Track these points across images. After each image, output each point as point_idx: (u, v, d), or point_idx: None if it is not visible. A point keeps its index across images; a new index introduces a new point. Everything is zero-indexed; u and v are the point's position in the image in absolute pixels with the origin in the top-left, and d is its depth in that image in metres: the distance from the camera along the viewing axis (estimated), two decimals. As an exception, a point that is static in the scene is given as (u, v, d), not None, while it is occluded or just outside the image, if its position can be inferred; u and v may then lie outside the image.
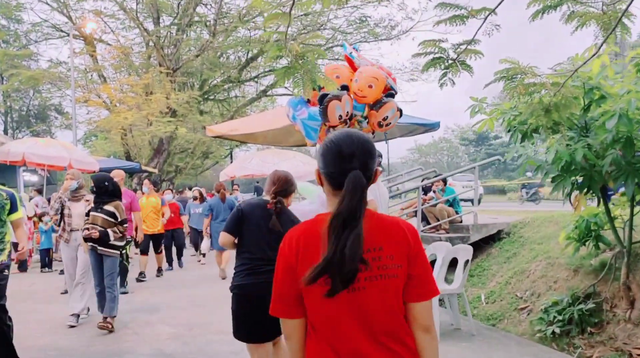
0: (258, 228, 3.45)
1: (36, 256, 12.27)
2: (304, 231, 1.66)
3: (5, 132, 39.61)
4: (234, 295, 3.44)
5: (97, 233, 5.82)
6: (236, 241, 3.58)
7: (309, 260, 1.57)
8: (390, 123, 5.75)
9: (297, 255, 1.62)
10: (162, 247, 10.30)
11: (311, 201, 5.68)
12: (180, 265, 11.32)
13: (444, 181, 9.90)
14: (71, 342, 5.59)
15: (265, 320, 2.92)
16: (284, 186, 3.71)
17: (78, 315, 6.29)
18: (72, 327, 6.14)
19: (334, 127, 5.85)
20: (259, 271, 3.33)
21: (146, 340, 5.66)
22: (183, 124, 19.91)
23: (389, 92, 5.67)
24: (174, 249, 11.17)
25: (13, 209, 4.48)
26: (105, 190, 5.99)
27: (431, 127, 8.61)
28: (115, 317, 6.05)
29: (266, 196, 3.70)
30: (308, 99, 5.62)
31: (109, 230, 5.91)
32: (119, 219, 6.02)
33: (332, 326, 1.58)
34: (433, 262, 6.36)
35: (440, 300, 5.59)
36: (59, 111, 40.69)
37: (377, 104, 5.61)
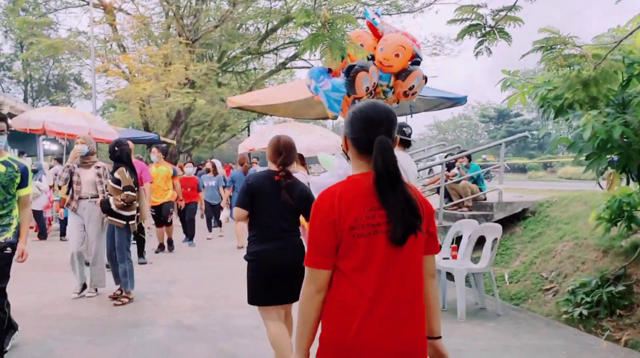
0: (268, 199, 3.46)
1: (56, 225, 12.35)
2: (343, 189, 1.82)
3: (25, 101, 39.86)
4: (248, 262, 3.50)
5: (99, 201, 5.92)
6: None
7: (351, 208, 1.75)
8: (415, 92, 5.55)
9: (339, 210, 1.75)
10: (172, 218, 9.71)
11: (330, 174, 5.54)
12: (190, 243, 10.53)
13: (468, 157, 9.69)
14: (91, 312, 5.57)
15: (277, 285, 3.22)
16: (290, 154, 3.67)
17: (82, 288, 6.20)
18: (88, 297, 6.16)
19: (359, 99, 5.67)
20: (272, 239, 3.41)
21: (166, 311, 5.62)
22: (201, 96, 19.76)
23: (415, 59, 5.45)
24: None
25: (23, 183, 4.03)
26: (113, 156, 5.89)
27: (458, 101, 8.36)
28: (130, 291, 6.00)
29: (272, 166, 3.67)
30: (329, 69, 5.41)
31: (110, 198, 5.80)
32: (122, 186, 5.78)
33: (370, 265, 1.74)
34: (458, 239, 6.21)
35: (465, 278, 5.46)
36: (78, 81, 40.79)
37: (403, 73, 5.41)
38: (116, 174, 5.81)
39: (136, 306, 5.82)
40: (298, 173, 8.49)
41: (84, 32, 22.38)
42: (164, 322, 5.22)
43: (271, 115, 25.87)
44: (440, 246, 6.65)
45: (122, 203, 5.77)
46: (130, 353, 4.37)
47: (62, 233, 11.18)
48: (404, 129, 5.08)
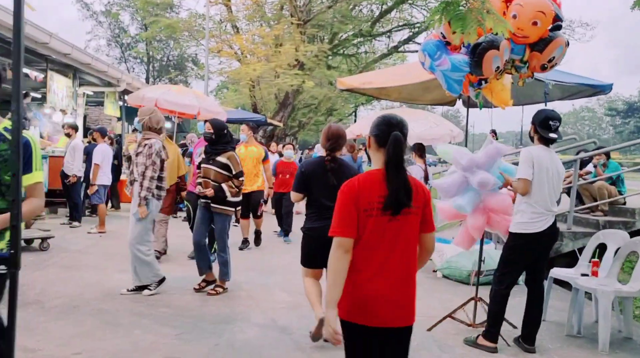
0: (319, 182, 4.14)
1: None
2: (361, 178, 2.37)
3: (147, 80, 42.15)
4: (304, 235, 4.30)
5: (212, 191, 5.34)
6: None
7: (366, 195, 2.30)
8: (556, 64, 4.62)
9: (358, 192, 2.31)
10: (262, 210, 8.53)
11: (451, 171, 4.78)
12: (286, 238, 9.19)
13: (607, 154, 8.43)
14: (184, 301, 5.27)
15: (321, 254, 3.36)
16: (337, 141, 4.20)
17: (133, 289, 5.41)
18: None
19: (485, 80, 4.84)
20: (323, 217, 3.99)
21: (261, 306, 5.21)
22: (310, 78, 19.43)
23: (556, 24, 4.50)
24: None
25: (26, 168, 2.47)
26: (222, 138, 5.44)
27: (601, 89, 7.20)
28: (225, 280, 5.64)
29: (322, 151, 4.30)
30: (447, 42, 4.60)
31: (223, 185, 5.36)
32: (234, 172, 5.43)
33: (384, 240, 2.31)
34: (602, 251, 5.21)
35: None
36: (195, 62, 42.44)
37: (541, 43, 4.48)
38: (224, 160, 5.38)
39: (230, 297, 5.46)
40: (415, 165, 7.83)
41: (202, 14, 22.90)
42: (258, 319, 4.80)
43: (382, 99, 25.16)
44: (571, 255, 5.78)
45: (237, 189, 5.44)
46: (219, 354, 3.96)
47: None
48: (550, 122, 4.18)
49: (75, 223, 9.72)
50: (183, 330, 4.40)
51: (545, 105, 6.83)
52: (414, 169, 7.50)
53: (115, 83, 13.04)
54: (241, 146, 7.96)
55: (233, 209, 5.55)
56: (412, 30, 22.53)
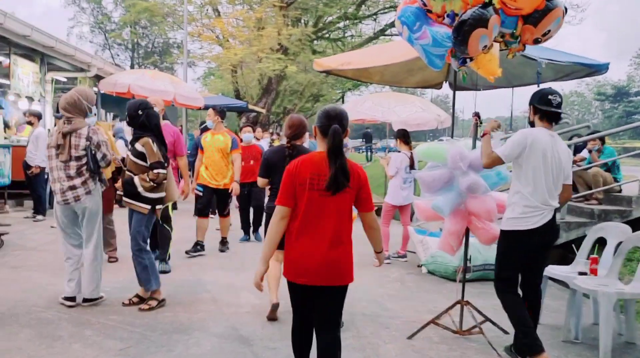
0: (278, 168, 4.17)
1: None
2: (302, 159, 2.83)
3: (132, 67, 41.24)
4: (267, 212, 4.61)
5: (119, 183, 4.71)
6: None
7: (303, 173, 2.76)
8: (551, 36, 4.08)
9: (295, 170, 2.78)
10: (228, 209, 7.34)
11: (436, 165, 4.27)
12: (257, 236, 8.09)
13: (602, 139, 7.95)
14: (135, 308, 4.71)
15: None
16: (297, 130, 4.51)
17: (69, 298, 4.65)
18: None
19: (470, 58, 4.30)
20: None
21: (223, 312, 4.67)
22: (294, 63, 18.78)
23: None
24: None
25: None
26: (136, 122, 4.58)
27: (597, 69, 6.66)
28: (156, 290, 4.70)
29: (284, 140, 4.64)
30: (428, 10, 4.00)
31: (135, 177, 4.54)
32: (149, 162, 4.52)
33: (316, 212, 2.75)
34: (602, 244, 4.72)
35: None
36: (180, 48, 41.57)
37: (535, 15, 3.94)
38: (139, 146, 4.51)
39: (191, 302, 4.90)
40: (400, 152, 7.29)
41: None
42: (218, 328, 4.26)
43: (365, 83, 24.48)
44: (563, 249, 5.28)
45: (151, 183, 4.51)
46: (166, 373, 3.43)
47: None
48: (549, 97, 3.68)
49: (39, 217, 9.14)
50: (129, 343, 3.86)
51: (538, 86, 6.28)
52: (399, 157, 6.97)
53: (86, 68, 12.34)
54: (207, 134, 7.02)
55: (148, 206, 4.56)
56: (399, 12, 21.84)
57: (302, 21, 22.26)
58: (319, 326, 2.85)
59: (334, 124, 2.76)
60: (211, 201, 7.12)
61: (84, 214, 4.59)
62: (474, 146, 4.25)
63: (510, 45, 4.12)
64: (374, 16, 22.77)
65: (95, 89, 14.11)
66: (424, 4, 3.81)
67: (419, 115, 10.63)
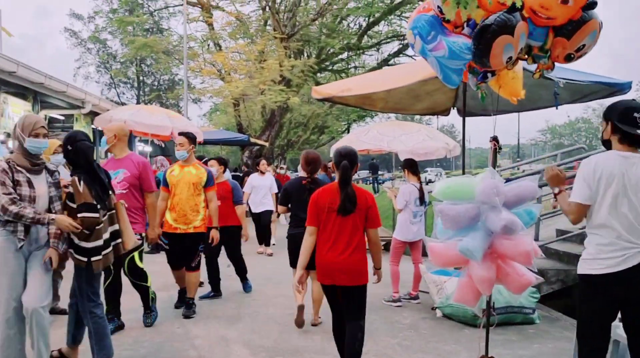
0: (298, 198, 5.08)
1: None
2: (322, 190, 3.74)
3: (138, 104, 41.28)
4: (289, 238, 5.25)
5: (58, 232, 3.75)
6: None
7: (322, 201, 3.63)
8: (585, 53, 3.53)
9: (318, 199, 3.66)
10: (201, 258, 5.86)
11: (459, 202, 3.63)
12: (245, 287, 6.74)
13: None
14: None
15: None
16: (315, 164, 5.24)
17: None
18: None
19: (492, 73, 3.78)
20: (301, 226, 4.22)
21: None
22: (297, 95, 18.44)
23: (589, 1, 3.42)
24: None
25: None
26: (67, 157, 3.93)
27: (620, 89, 6.12)
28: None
29: (302, 173, 5.32)
30: (445, 18, 3.45)
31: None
32: (76, 205, 3.64)
33: (335, 229, 3.60)
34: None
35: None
36: (190, 87, 41.64)
37: (569, 27, 3.41)
38: (70, 186, 3.73)
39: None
40: (409, 183, 6.73)
41: (187, 35, 21.97)
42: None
43: (370, 113, 23.98)
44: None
45: (79, 229, 3.60)
46: None
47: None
48: (635, 115, 2.99)
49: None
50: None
51: (557, 108, 5.76)
52: (407, 189, 6.39)
53: (80, 105, 11.97)
54: (175, 166, 5.58)
55: (85, 259, 3.66)
56: (402, 42, 21.60)
57: (305, 53, 22.07)
58: (346, 317, 3.71)
59: (343, 161, 3.63)
60: (182, 251, 5.59)
61: None
62: (491, 176, 3.70)
63: (538, 60, 3.59)
64: (377, 46, 22.56)
65: (93, 126, 13.78)
66: (440, 11, 3.28)
67: (426, 144, 10.09)
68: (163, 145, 20.34)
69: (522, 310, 5.55)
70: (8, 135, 11.12)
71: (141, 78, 43.71)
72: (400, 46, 21.90)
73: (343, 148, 3.74)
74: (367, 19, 20.96)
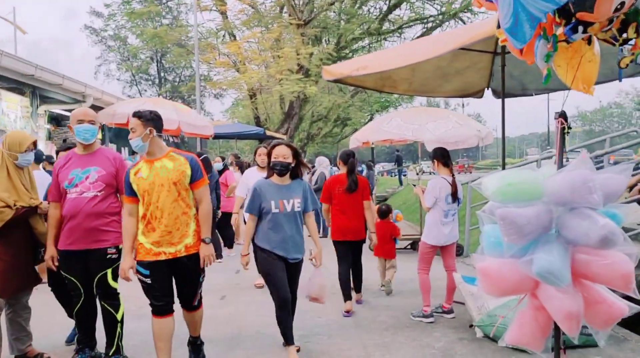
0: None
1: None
2: (333, 178, 5.85)
3: (159, 102, 40.72)
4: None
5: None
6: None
7: (334, 186, 5.61)
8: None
9: (330, 184, 5.69)
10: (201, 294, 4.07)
11: (526, 204, 2.62)
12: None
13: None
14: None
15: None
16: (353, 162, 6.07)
17: None
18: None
19: (589, 23, 2.69)
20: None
21: None
22: (316, 85, 17.46)
23: None
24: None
25: None
26: None
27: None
28: None
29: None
30: None
31: None
32: None
33: (343, 203, 5.52)
34: None
35: None
36: (207, 80, 41.05)
37: None
38: None
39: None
40: (439, 177, 5.71)
41: (191, 25, 21.12)
42: None
43: (391, 98, 22.69)
44: None
45: None
46: None
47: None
48: None
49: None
50: None
51: (620, 81, 4.69)
52: (438, 184, 5.36)
53: (81, 99, 11.22)
54: (140, 163, 3.76)
55: None
56: (426, 25, 20.42)
57: (324, 42, 21.05)
58: (353, 261, 5.70)
59: (350, 159, 5.60)
60: (171, 285, 3.80)
61: None
62: (560, 165, 2.70)
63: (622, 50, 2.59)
64: (399, 31, 21.36)
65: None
66: None
67: (457, 131, 9.00)
68: (177, 141, 19.62)
69: (582, 329, 4.53)
70: (3, 132, 10.44)
71: (162, 74, 43.36)
72: (424, 29, 20.71)
73: (347, 150, 5.96)
74: (387, 1, 19.80)
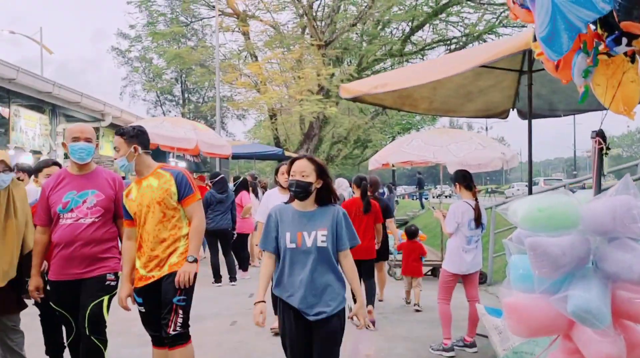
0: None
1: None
2: (349, 201, 6.38)
3: (183, 122, 41.08)
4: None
5: None
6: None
7: (352, 208, 5.94)
8: None
9: (348, 207, 5.84)
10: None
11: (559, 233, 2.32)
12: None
13: None
14: None
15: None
16: (377, 186, 7.13)
17: None
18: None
19: (634, 36, 2.35)
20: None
21: None
22: (335, 105, 17.33)
23: None
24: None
25: None
26: None
27: None
28: None
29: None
30: None
31: None
32: None
33: (359, 223, 5.78)
34: None
35: None
36: (229, 101, 41.32)
37: None
38: None
39: None
40: (461, 201, 5.41)
41: (212, 46, 21.23)
42: None
43: (413, 119, 22.29)
44: None
45: None
46: None
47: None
48: None
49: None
50: None
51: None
52: (460, 208, 5.07)
53: (100, 117, 11.20)
54: (132, 184, 3.59)
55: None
56: (449, 47, 20.20)
57: (346, 63, 20.98)
58: (365, 278, 5.83)
59: (363, 182, 6.12)
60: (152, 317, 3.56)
61: None
62: (598, 189, 2.41)
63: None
64: (421, 52, 21.17)
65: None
66: None
67: (480, 154, 8.74)
68: (197, 160, 19.58)
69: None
70: (22, 150, 10.44)
71: (186, 95, 43.87)
72: (447, 51, 20.50)
73: (360, 175, 6.41)
74: (410, 23, 19.67)
